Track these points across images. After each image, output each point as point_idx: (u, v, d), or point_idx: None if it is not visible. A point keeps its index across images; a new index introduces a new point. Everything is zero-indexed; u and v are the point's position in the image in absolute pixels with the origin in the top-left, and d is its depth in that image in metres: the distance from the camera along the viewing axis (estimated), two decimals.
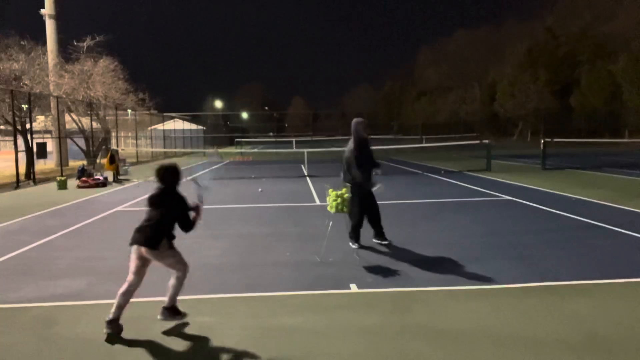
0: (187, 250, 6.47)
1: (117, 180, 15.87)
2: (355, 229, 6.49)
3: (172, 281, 4.01)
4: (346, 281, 5.03)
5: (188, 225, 4.02)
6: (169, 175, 3.98)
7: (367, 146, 6.45)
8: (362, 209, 6.40)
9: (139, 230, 3.90)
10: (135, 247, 3.87)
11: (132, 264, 3.87)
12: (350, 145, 6.40)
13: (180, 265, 4.01)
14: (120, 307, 3.77)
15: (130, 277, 3.85)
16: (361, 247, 6.43)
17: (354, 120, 6.51)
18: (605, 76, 48.80)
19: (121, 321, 3.77)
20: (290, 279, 5.18)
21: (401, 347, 3.55)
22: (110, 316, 3.74)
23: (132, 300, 4.38)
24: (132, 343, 3.68)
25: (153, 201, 4.00)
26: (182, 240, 7.00)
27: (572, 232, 7.23)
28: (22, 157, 16.11)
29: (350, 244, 6.51)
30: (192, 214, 4.09)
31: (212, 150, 12.18)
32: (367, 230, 6.66)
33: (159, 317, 3.99)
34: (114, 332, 3.71)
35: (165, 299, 4.03)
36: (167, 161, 4.16)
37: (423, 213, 9.20)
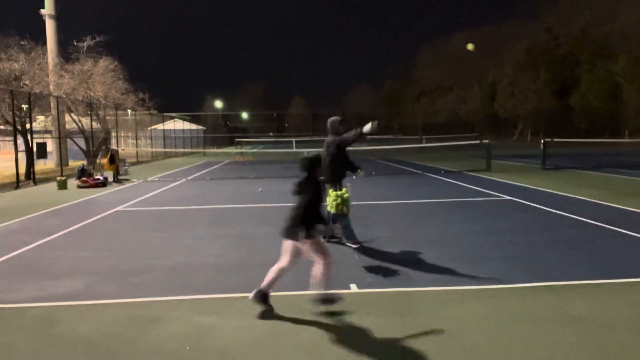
0: (187, 250, 6.51)
1: (117, 180, 15.87)
2: (348, 228, 6.49)
3: (316, 270, 4.13)
4: (346, 281, 5.03)
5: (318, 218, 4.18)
6: (312, 165, 4.22)
7: (344, 146, 6.51)
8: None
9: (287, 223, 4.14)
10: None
11: (287, 248, 4.14)
12: (329, 139, 6.46)
13: (319, 255, 4.12)
14: (323, 285, 4.06)
15: (284, 258, 4.13)
16: (362, 246, 6.44)
17: (330, 119, 6.60)
18: (605, 76, 48.80)
19: (121, 321, 3.77)
20: (290, 279, 5.17)
21: (401, 347, 3.55)
22: (317, 293, 4.05)
23: (134, 300, 4.40)
24: (132, 343, 3.68)
25: (298, 189, 4.19)
26: (182, 240, 7.04)
27: (572, 232, 7.23)
28: (22, 157, 16.12)
29: (350, 244, 6.51)
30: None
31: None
32: (367, 230, 6.67)
33: (309, 306, 4.19)
34: (330, 302, 4.08)
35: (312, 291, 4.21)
36: (312, 152, 4.39)
37: (423, 213, 9.20)
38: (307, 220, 4.07)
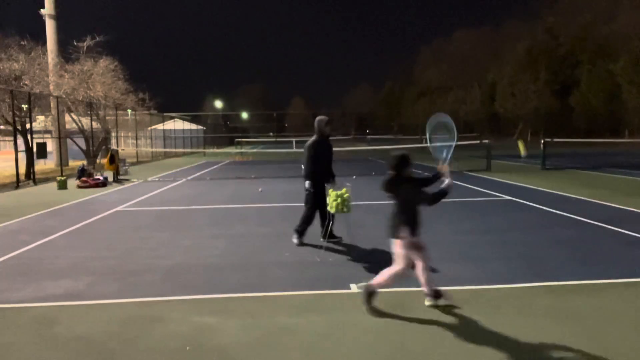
0: (187, 250, 6.51)
1: (117, 180, 15.87)
2: (303, 224, 6.53)
3: (418, 270, 4.20)
4: (346, 281, 5.03)
5: (432, 199, 4.14)
6: (401, 164, 4.15)
7: (327, 145, 6.52)
8: (314, 204, 6.46)
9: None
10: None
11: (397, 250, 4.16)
12: (309, 141, 6.50)
13: (418, 253, 4.15)
14: (428, 282, 4.18)
15: (400, 262, 4.15)
16: (302, 244, 6.50)
17: (317, 118, 6.61)
18: (605, 76, 48.84)
19: (121, 321, 3.77)
20: (290, 279, 5.18)
21: (401, 347, 3.55)
22: (427, 290, 4.19)
23: (134, 300, 4.39)
24: (132, 343, 3.68)
25: (388, 189, 4.18)
26: (182, 240, 7.04)
27: (572, 232, 7.22)
28: (22, 157, 16.11)
29: (294, 238, 6.57)
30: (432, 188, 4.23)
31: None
32: (367, 230, 6.67)
33: (427, 303, 4.28)
34: (439, 297, 4.20)
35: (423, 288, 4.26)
36: (397, 151, 4.30)
37: (423, 213, 9.19)
38: (406, 219, 4.12)
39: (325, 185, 6.50)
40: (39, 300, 4.62)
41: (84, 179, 14.55)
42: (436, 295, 4.26)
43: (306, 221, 6.53)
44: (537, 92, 56.08)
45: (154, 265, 5.74)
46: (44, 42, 21.87)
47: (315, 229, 6.74)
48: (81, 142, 22.60)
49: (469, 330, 3.79)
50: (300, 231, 6.59)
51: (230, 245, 6.77)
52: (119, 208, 10.17)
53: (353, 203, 6.50)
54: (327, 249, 6.23)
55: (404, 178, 4.14)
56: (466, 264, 5.64)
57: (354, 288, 4.84)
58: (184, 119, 45.29)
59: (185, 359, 3.43)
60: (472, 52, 75.05)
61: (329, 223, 6.46)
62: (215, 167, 23.10)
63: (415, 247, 4.14)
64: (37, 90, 18.68)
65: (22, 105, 17.64)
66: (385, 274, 4.20)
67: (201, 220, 8.80)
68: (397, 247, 4.14)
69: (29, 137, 17.10)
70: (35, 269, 5.68)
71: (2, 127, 19.92)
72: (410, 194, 4.14)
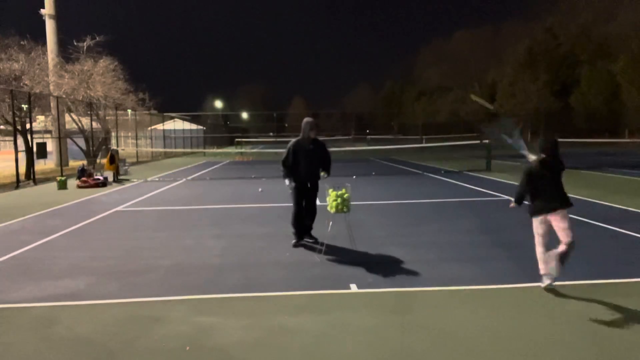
0: (187, 250, 6.51)
1: (117, 180, 15.87)
2: (293, 223, 6.58)
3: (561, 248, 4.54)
4: (346, 281, 5.03)
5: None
6: (552, 146, 4.90)
7: (311, 147, 6.53)
8: (297, 202, 6.53)
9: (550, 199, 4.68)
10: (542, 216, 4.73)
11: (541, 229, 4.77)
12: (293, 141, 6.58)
13: (570, 232, 4.55)
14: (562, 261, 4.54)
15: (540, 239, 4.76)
16: (299, 245, 6.52)
17: (304, 119, 6.65)
18: (605, 76, 48.81)
19: (121, 321, 3.77)
20: (290, 279, 5.18)
21: (401, 347, 3.55)
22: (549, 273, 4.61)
23: (134, 300, 4.39)
24: (132, 343, 3.68)
25: (547, 168, 4.76)
26: (182, 240, 7.04)
27: None
28: (22, 157, 16.11)
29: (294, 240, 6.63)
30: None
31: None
32: (367, 230, 6.66)
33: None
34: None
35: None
36: (550, 136, 5.03)
37: (423, 213, 9.20)
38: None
39: (325, 185, 6.50)
40: (39, 300, 4.62)
41: (84, 179, 14.55)
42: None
43: (295, 219, 6.58)
44: (537, 92, 56.04)
45: (154, 265, 5.74)
46: (44, 42, 21.87)
47: (315, 229, 6.75)
48: (81, 142, 22.61)
49: (469, 330, 3.79)
50: (295, 231, 6.62)
51: (230, 245, 6.77)
52: (119, 208, 10.17)
53: (353, 203, 6.51)
54: (327, 249, 6.23)
55: (559, 159, 4.84)
56: (466, 263, 5.64)
57: (353, 288, 4.84)
58: (184, 119, 45.31)
59: (185, 359, 3.43)
60: (472, 52, 75.07)
61: (310, 221, 6.60)
62: (215, 167, 23.10)
63: (569, 224, 4.63)
64: (37, 90, 18.69)
65: (22, 105, 17.64)
66: (554, 255, 4.56)
67: (201, 220, 8.80)
68: (566, 218, 4.58)
69: (29, 137, 17.10)
70: (35, 269, 5.68)
71: (2, 127, 19.91)
72: (561, 172, 4.81)
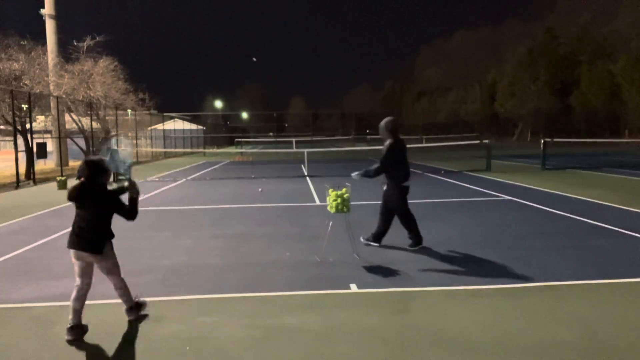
0: (187, 250, 6.51)
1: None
2: (413, 225, 6.53)
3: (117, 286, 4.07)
4: (346, 281, 5.03)
5: (129, 213, 4.21)
6: (92, 170, 4.17)
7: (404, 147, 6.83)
8: (406, 203, 6.65)
9: (77, 234, 3.91)
10: (73, 251, 3.87)
11: (76, 267, 3.89)
12: None
13: (117, 270, 4.07)
14: (77, 312, 3.80)
15: (77, 280, 3.87)
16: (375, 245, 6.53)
17: (390, 119, 6.87)
18: (605, 76, 48.83)
19: (121, 321, 3.77)
20: (290, 279, 5.18)
21: (401, 347, 3.55)
22: (70, 323, 3.76)
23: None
24: (132, 343, 3.68)
25: (79, 200, 4.08)
26: (182, 240, 7.03)
27: (572, 232, 7.23)
28: (22, 157, 16.11)
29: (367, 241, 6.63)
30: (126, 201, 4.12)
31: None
32: (367, 230, 6.65)
33: (129, 318, 4.09)
34: (76, 338, 3.72)
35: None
36: (94, 157, 4.29)
37: (423, 213, 9.18)
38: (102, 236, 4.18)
39: (325, 185, 6.53)
40: (39, 300, 4.62)
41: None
42: (137, 307, 4.15)
43: (413, 222, 6.50)
44: (537, 92, 56.06)
45: (154, 265, 5.74)
46: (44, 42, 21.87)
47: (315, 229, 6.75)
48: (81, 142, 22.61)
49: (469, 330, 3.79)
50: (412, 234, 6.50)
51: (230, 245, 6.77)
52: None
53: (353, 203, 6.50)
54: (327, 249, 6.23)
55: (98, 187, 4.24)
56: (466, 263, 5.64)
57: (353, 288, 4.84)
58: (184, 119, 45.31)
59: (185, 359, 3.43)
60: (472, 52, 75.11)
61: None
62: (215, 167, 23.09)
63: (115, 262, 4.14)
64: (37, 90, 18.68)
65: (22, 105, 17.64)
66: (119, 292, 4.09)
67: (201, 220, 8.79)
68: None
69: (29, 137, 17.10)
70: (35, 269, 5.67)
71: (2, 127, 19.91)
72: (107, 205, 4.31)
